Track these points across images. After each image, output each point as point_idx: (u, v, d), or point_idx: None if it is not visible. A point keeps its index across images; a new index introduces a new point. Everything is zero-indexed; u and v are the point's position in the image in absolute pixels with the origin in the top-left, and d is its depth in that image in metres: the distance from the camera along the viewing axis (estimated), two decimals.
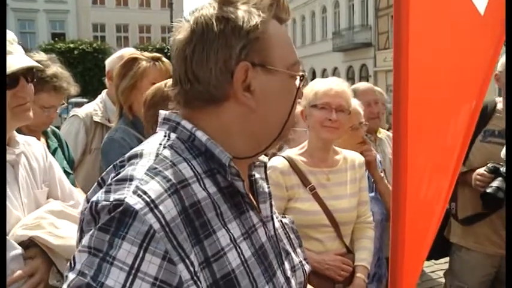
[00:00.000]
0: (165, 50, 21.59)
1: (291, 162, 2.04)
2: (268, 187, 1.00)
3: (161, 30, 38.96)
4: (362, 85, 3.26)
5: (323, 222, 1.98)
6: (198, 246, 0.74)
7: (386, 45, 28.34)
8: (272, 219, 0.96)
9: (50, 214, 1.42)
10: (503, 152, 2.32)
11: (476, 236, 2.51)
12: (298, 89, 0.92)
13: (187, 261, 0.71)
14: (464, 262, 2.56)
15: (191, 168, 0.80)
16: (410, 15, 1.05)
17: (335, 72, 33.27)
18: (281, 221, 1.04)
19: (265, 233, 0.90)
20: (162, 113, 0.90)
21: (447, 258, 2.78)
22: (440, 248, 2.60)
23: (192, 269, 0.72)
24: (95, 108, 2.70)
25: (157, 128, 0.90)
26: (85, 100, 12.59)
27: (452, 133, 1.39)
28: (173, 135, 0.85)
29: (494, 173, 2.35)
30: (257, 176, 0.99)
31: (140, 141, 2.08)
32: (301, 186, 2.01)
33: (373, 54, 29.65)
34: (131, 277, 0.67)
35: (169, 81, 1.70)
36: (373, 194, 2.39)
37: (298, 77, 0.91)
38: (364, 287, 2.01)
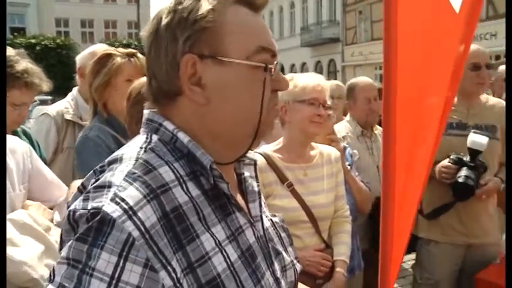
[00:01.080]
0: (132, 46, 21.21)
1: (268, 159, 2.03)
2: (258, 186, 0.97)
3: (127, 25, 38.20)
4: (362, 81, 3.14)
5: (302, 219, 1.99)
6: (181, 252, 0.72)
7: (354, 40, 28.71)
8: (261, 218, 0.93)
9: (12, 226, 1.32)
10: (470, 139, 2.38)
11: (443, 228, 2.58)
12: (267, 80, 0.84)
13: (169, 268, 0.69)
14: (433, 255, 2.61)
15: (173, 172, 0.77)
16: (399, 14, 1.06)
17: (303, 67, 33.48)
18: (271, 219, 1.02)
19: (254, 233, 0.88)
20: (146, 113, 0.87)
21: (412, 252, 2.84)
22: (408, 243, 2.66)
23: (174, 275, 0.69)
24: (66, 106, 2.63)
25: (141, 129, 0.87)
26: (49, 98, 12.10)
27: (425, 127, 1.41)
28: (155, 137, 0.82)
29: (458, 163, 2.41)
30: (246, 174, 0.96)
31: (116, 139, 2.06)
32: (279, 183, 2.00)
33: (341, 49, 29.94)
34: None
35: None
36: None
37: (263, 67, 0.83)
38: (344, 281, 2.03)
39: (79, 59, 2.76)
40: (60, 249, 0.73)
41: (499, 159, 2.59)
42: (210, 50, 0.80)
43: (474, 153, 2.37)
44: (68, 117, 2.56)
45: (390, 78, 1.08)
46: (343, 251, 2.10)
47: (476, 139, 2.36)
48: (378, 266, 2.93)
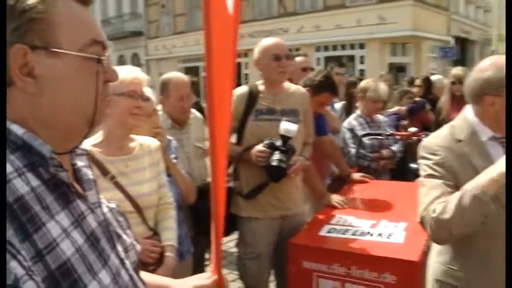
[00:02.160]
0: None
1: (89, 155, 1.98)
2: (93, 174, 1.00)
3: None
4: (175, 77, 3.07)
5: (127, 209, 1.99)
6: (28, 241, 0.72)
7: (158, 34, 28.69)
8: (100, 205, 0.96)
9: None
10: (282, 127, 2.62)
11: (261, 205, 2.82)
12: (99, 72, 0.87)
13: (19, 257, 0.69)
14: (254, 230, 2.83)
15: (10, 164, 0.76)
16: (211, 13, 1.15)
17: None
18: (108, 206, 1.05)
19: (95, 219, 0.91)
20: None
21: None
22: (229, 224, 2.85)
23: (25, 264, 0.69)
24: None
25: None
26: None
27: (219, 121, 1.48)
28: None
29: (271, 147, 2.64)
30: (80, 164, 0.98)
31: None
32: (101, 177, 1.98)
33: (145, 42, 29.67)
34: None
35: None
36: (168, 178, 2.48)
37: (96, 59, 0.86)
38: (174, 264, 2.11)
39: None
40: None
41: (301, 139, 2.93)
42: (42, 41, 0.80)
43: (285, 138, 2.63)
44: None
45: (209, 73, 1.17)
46: (170, 236, 2.17)
47: (287, 127, 2.62)
48: (204, 250, 3.07)
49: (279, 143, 2.63)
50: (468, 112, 1.88)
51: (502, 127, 1.75)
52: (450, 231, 1.72)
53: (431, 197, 1.77)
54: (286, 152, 2.61)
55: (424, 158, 1.87)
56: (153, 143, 2.26)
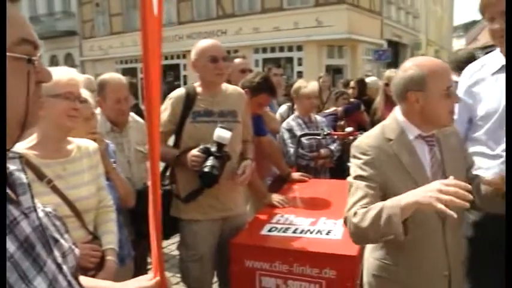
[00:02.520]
0: None
1: (22, 158, 1.91)
2: (27, 178, 0.96)
3: None
4: (112, 79, 3.00)
5: (66, 213, 1.94)
6: None
7: (93, 34, 27.84)
8: (35, 209, 0.93)
9: None
10: (216, 134, 2.61)
11: (202, 207, 2.81)
12: (31, 72, 0.83)
13: None
14: (195, 233, 2.82)
15: None
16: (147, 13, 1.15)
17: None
18: (44, 210, 1.02)
19: (29, 224, 0.87)
20: None
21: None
22: (170, 226, 2.84)
23: None
24: None
25: None
26: None
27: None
28: None
29: (206, 153, 2.62)
30: (12, 168, 0.94)
31: None
32: (37, 181, 1.91)
33: (79, 42, 28.69)
34: None
35: None
36: (107, 182, 2.43)
37: (26, 59, 0.82)
38: (115, 268, 2.07)
39: None
40: None
41: (240, 140, 2.95)
42: None
43: (220, 145, 2.62)
44: None
45: (147, 75, 1.17)
46: (110, 239, 2.13)
47: (221, 134, 2.60)
48: (145, 254, 3.01)
49: (214, 148, 2.62)
50: (397, 112, 1.98)
51: (429, 122, 1.87)
52: (367, 238, 1.82)
53: (355, 198, 1.83)
54: (220, 158, 2.60)
55: (354, 157, 1.93)
56: (92, 145, 2.21)
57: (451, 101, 1.83)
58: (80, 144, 2.16)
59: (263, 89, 3.41)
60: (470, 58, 4.44)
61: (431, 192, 1.54)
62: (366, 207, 1.76)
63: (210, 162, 2.58)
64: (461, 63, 4.45)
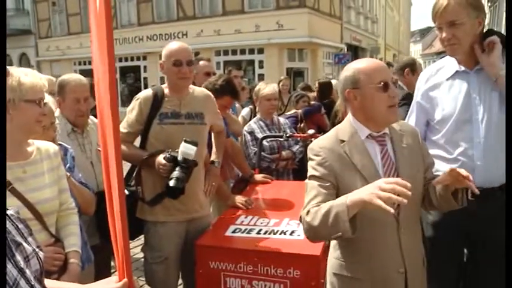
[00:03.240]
0: None
1: None
2: None
3: None
4: (73, 80, 2.95)
5: (27, 216, 1.89)
6: None
7: (49, 34, 27.07)
8: None
9: None
10: (182, 150, 2.60)
11: (167, 209, 2.79)
12: None
13: None
14: (161, 234, 2.81)
15: None
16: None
17: None
18: (6, 214, 1.01)
19: None
20: None
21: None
22: (135, 228, 2.80)
23: None
24: None
25: None
26: None
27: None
28: None
29: (173, 161, 2.61)
30: None
31: None
32: None
33: (34, 42, 27.86)
34: None
35: None
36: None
37: None
38: (79, 270, 2.04)
39: None
40: None
41: (206, 141, 2.98)
42: None
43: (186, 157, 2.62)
44: None
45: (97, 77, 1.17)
46: (73, 241, 2.10)
47: (186, 150, 2.59)
48: (108, 258, 2.96)
49: (180, 157, 2.61)
50: (350, 114, 2.04)
51: (371, 119, 1.93)
52: (319, 235, 1.89)
53: (309, 197, 1.90)
54: (186, 168, 2.60)
55: (310, 159, 2.00)
56: (52, 147, 2.17)
57: (388, 95, 1.89)
58: (40, 146, 2.11)
59: (226, 91, 3.44)
60: (411, 63, 5.02)
61: (373, 189, 1.62)
62: (318, 205, 1.83)
63: (175, 174, 2.57)
64: (403, 66, 4.98)
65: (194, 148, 2.61)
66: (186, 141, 2.61)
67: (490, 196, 2.23)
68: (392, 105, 1.90)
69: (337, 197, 1.85)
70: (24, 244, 0.99)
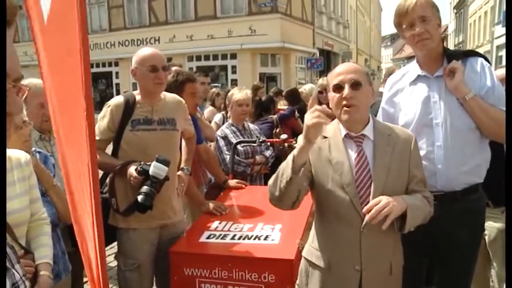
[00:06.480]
0: None
1: None
2: None
3: None
4: (34, 84, 2.81)
5: None
6: None
7: (16, 39, 26.52)
8: None
9: None
10: (152, 170, 2.56)
11: (139, 216, 2.75)
12: None
13: None
14: (134, 241, 2.78)
15: None
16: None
17: None
18: None
19: None
20: None
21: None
22: (108, 235, 2.76)
23: None
24: None
25: None
26: None
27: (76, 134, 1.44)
28: None
29: (144, 174, 2.58)
30: None
31: None
32: None
33: None
34: None
35: None
36: (44, 198, 2.33)
37: None
38: (50, 282, 2.00)
39: None
40: None
41: (178, 146, 2.98)
42: None
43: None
44: None
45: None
46: (44, 253, 2.06)
47: (157, 171, 2.56)
48: (81, 265, 2.92)
49: (152, 173, 2.58)
50: None
51: (338, 118, 2.06)
52: (274, 194, 1.98)
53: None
54: (156, 183, 2.58)
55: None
56: (24, 155, 2.14)
57: (340, 96, 2.00)
58: (11, 155, 2.07)
59: (185, 80, 3.47)
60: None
61: (307, 120, 1.80)
62: None
63: (145, 188, 2.55)
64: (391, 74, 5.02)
65: (165, 169, 2.59)
66: (158, 160, 2.58)
67: (451, 200, 2.30)
68: (345, 106, 2.00)
69: (312, 188, 2.04)
70: (13, 270, 0.98)
